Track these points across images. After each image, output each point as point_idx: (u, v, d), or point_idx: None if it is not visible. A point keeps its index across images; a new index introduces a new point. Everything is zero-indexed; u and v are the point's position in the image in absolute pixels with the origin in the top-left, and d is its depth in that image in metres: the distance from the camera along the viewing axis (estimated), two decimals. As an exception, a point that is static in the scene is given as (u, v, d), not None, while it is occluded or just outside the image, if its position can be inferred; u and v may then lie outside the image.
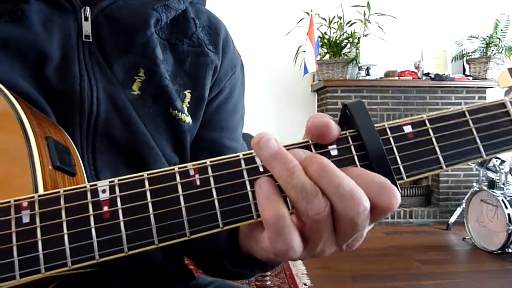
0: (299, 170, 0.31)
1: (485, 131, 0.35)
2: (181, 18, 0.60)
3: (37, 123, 0.41)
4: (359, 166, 0.34)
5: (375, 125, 0.34)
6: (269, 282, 1.65)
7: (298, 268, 2.43)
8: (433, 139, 0.34)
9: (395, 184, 0.32)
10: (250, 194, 0.33)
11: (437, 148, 0.34)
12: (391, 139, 0.34)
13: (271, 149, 0.31)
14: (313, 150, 0.34)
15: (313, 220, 0.30)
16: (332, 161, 0.33)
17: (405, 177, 0.34)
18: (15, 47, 0.48)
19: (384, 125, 0.35)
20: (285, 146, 0.34)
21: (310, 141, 0.34)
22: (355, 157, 0.34)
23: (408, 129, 0.35)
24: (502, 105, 0.35)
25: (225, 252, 0.46)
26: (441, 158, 0.34)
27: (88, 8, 0.52)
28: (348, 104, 0.34)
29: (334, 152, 0.34)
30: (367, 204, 0.30)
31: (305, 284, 2.23)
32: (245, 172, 0.33)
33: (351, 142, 0.34)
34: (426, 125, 0.35)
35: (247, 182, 0.33)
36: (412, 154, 0.34)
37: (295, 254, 0.31)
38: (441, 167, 0.34)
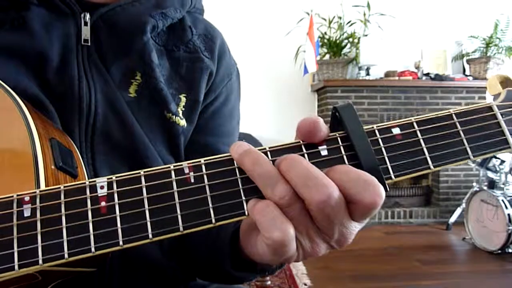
0: (263, 161, 0.33)
1: (472, 133, 0.35)
2: (178, 25, 0.62)
3: (42, 125, 0.43)
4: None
5: (364, 127, 0.35)
6: (269, 282, 1.66)
7: (298, 268, 2.44)
8: (421, 141, 0.35)
9: (383, 183, 0.33)
10: (242, 191, 0.34)
11: (425, 149, 0.35)
12: (379, 140, 0.35)
13: (241, 149, 0.34)
14: (304, 150, 0.35)
15: (282, 206, 0.32)
16: (322, 161, 0.35)
17: (393, 177, 0.34)
18: (18, 53, 0.50)
19: (373, 127, 0.36)
20: (276, 146, 0.35)
21: (301, 142, 0.35)
22: (344, 157, 0.35)
23: (396, 130, 0.35)
24: (489, 108, 0.36)
25: (227, 254, 0.46)
26: (428, 159, 0.35)
27: (87, 14, 0.54)
28: (338, 107, 0.35)
29: (324, 152, 0.35)
30: (334, 193, 0.31)
31: (305, 284, 2.24)
32: (237, 171, 0.34)
33: (340, 143, 0.35)
34: (414, 127, 0.36)
35: (239, 180, 0.34)
36: (400, 155, 0.35)
37: (291, 243, 0.32)
38: (429, 168, 0.35)
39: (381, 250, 2.88)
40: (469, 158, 0.35)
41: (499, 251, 2.65)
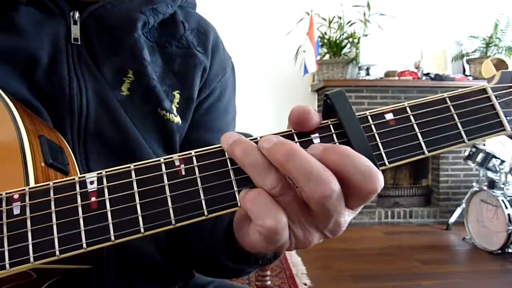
0: (253, 149, 0.33)
1: (467, 117, 0.35)
2: (170, 21, 0.61)
3: (31, 122, 0.42)
4: None
5: (357, 113, 0.34)
6: (269, 282, 1.65)
7: (298, 268, 2.43)
8: (415, 126, 0.35)
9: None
10: (234, 182, 0.33)
11: (418, 134, 0.34)
12: (372, 126, 0.35)
13: (231, 139, 0.34)
14: (296, 138, 0.34)
15: (273, 195, 0.32)
16: None
17: (387, 163, 0.34)
18: (7, 55, 0.49)
19: (365, 113, 0.35)
20: (267, 135, 0.34)
21: (293, 130, 0.35)
22: (337, 144, 0.34)
23: (389, 116, 0.35)
24: (483, 91, 0.35)
25: (223, 247, 0.46)
26: (423, 144, 0.34)
27: (76, 12, 0.53)
28: (329, 94, 0.35)
29: (316, 140, 0.34)
30: (335, 187, 0.30)
31: (305, 284, 2.23)
32: (228, 161, 0.34)
33: (333, 130, 0.35)
34: (407, 112, 0.35)
35: (231, 171, 0.34)
36: (394, 141, 0.34)
37: (284, 230, 0.32)
38: (423, 153, 0.34)
39: (381, 250, 2.88)
40: (463, 141, 0.34)
41: (499, 251, 2.65)
